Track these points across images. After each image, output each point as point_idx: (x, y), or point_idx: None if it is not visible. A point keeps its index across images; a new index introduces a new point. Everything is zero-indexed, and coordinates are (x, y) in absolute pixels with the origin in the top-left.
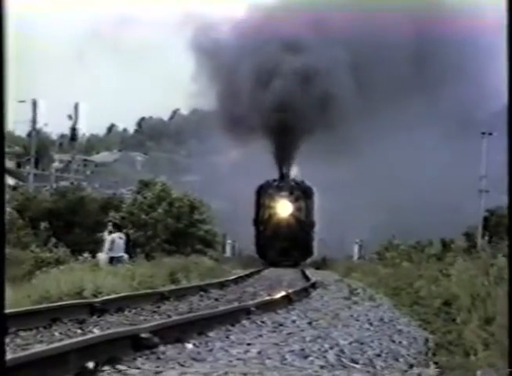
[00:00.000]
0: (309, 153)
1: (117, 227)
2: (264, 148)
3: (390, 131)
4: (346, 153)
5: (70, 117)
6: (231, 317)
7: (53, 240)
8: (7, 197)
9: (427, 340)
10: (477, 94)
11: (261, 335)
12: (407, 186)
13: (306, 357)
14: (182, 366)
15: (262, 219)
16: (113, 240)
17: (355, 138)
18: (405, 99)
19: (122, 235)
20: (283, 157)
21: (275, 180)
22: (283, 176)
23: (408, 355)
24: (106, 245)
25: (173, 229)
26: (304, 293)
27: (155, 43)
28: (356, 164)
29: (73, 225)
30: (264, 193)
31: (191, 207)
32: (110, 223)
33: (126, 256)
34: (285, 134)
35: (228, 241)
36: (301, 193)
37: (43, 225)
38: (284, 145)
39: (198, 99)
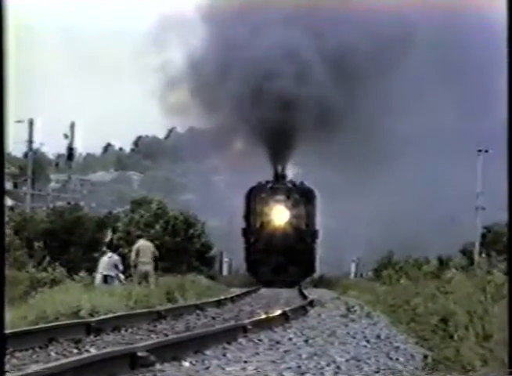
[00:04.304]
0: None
1: (109, 247)
2: (260, 162)
3: (386, 144)
4: (342, 167)
5: (65, 136)
6: (228, 335)
7: (49, 259)
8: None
9: (424, 356)
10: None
11: (257, 353)
12: (405, 202)
13: (303, 374)
14: None
15: (253, 229)
16: (103, 259)
17: (351, 149)
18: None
19: (111, 254)
20: (278, 154)
21: (268, 182)
22: (279, 177)
23: (405, 371)
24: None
25: (169, 246)
26: (302, 311)
27: (153, 60)
28: (351, 179)
29: (69, 245)
30: (255, 198)
31: (187, 224)
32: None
33: (115, 275)
34: (280, 126)
35: (225, 259)
36: (301, 197)
37: (37, 245)
38: (279, 139)
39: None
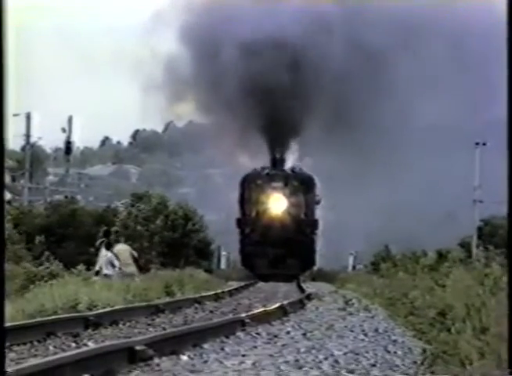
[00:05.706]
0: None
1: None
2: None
3: (386, 138)
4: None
5: (63, 129)
6: (226, 329)
7: (47, 253)
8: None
9: (423, 350)
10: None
11: (255, 347)
12: (403, 195)
13: (301, 368)
14: None
15: (249, 219)
16: (101, 256)
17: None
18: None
19: (105, 252)
20: (276, 137)
21: (264, 168)
22: (276, 162)
23: (403, 365)
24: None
25: (168, 241)
26: (299, 304)
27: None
28: (350, 171)
29: (66, 239)
30: (250, 185)
31: (185, 219)
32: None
33: (114, 272)
34: (278, 107)
35: (223, 253)
36: (300, 184)
37: (38, 239)
38: (277, 120)
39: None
